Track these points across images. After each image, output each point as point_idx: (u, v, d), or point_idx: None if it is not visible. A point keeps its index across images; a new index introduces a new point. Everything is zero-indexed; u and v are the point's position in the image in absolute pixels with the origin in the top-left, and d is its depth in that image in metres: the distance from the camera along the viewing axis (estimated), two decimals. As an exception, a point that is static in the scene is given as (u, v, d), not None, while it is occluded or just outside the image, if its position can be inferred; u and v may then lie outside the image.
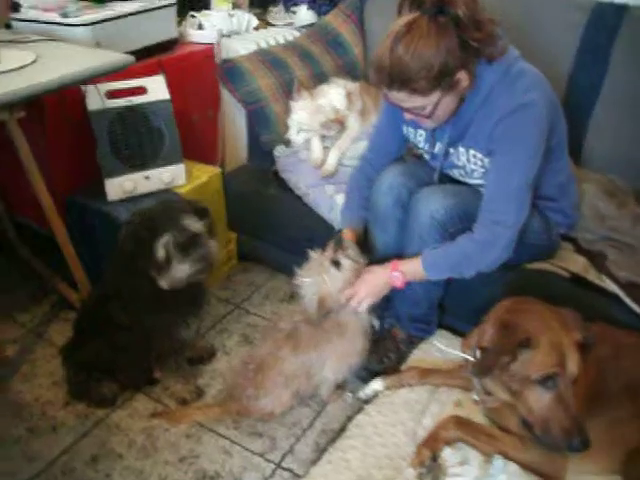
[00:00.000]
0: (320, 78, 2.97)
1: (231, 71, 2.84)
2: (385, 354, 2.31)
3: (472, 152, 2.02)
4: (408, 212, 2.13)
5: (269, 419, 2.15)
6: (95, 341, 2.15)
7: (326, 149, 2.71)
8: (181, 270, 1.95)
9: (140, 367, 2.21)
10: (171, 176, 2.55)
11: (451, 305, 2.35)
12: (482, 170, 2.03)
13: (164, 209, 2.01)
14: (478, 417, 1.91)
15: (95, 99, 2.38)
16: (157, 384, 2.29)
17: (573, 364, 1.58)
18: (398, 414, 2.01)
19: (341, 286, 2.05)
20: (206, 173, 2.72)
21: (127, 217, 2.34)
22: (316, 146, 2.69)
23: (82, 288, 2.48)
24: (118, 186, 2.46)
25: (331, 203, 2.52)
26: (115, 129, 2.43)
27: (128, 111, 2.44)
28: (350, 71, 3.11)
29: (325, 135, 2.74)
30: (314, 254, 2.09)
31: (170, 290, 1.98)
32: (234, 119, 3.20)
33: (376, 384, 2.18)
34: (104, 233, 2.46)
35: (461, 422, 1.83)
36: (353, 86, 2.89)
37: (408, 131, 2.20)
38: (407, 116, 1.95)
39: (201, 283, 2.14)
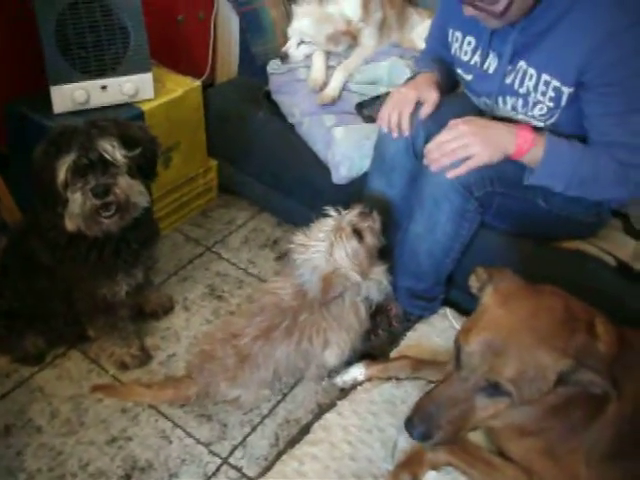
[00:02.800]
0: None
1: (221, -40, 2.29)
2: (374, 331, 1.90)
3: (545, 77, 1.52)
4: (422, 162, 1.66)
5: (231, 406, 1.77)
6: (17, 284, 1.74)
7: (331, 69, 2.20)
8: (75, 202, 1.50)
9: (66, 319, 1.80)
10: (134, 87, 2.07)
11: (462, 279, 1.89)
12: (551, 105, 1.54)
13: (84, 126, 1.55)
14: (477, 435, 1.50)
15: (42, -19, 1.88)
16: (93, 341, 1.89)
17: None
18: (377, 417, 1.61)
19: (353, 266, 1.63)
20: (181, 86, 2.24)
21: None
22: (318, 63, 2.19)
23: (10, 216, 2.05)
24: (67, 95, 1.99)
25: (328, 138, 2.04)
26: (65, 23, 1.94)
27: (83, 0, 1.94)
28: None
29: (331, 51, 2.22)
30: (332, 213, 1.66)
31: (84, 235, 1.57)
32: (229, 24, 2.68)
33: (357, 371, 1.77)
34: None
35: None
36: (373, -7, 2.34)
37: (454, 38, 1.71)
38: (468, 11, 1.47)
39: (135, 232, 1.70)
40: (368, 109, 2.09)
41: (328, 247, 1.62)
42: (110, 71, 2.03)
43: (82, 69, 1.99)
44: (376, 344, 1.90)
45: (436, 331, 1.86)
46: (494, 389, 1.14)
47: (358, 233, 1.64)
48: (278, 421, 1.76)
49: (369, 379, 1.74)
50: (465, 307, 1.90)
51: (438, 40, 1.82)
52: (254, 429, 1.73)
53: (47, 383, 1.81)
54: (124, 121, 1.67)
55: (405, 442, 1.54)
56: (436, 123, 1.65)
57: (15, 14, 2.00)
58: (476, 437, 1.47)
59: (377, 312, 1.91)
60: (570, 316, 1.18)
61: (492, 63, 1.63)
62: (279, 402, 1.81)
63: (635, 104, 1.42)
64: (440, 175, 1.57)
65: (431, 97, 1.67)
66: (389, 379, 1.72)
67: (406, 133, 1.67)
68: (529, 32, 1.50)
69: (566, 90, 1.49)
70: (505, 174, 1.58)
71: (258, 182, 2.41)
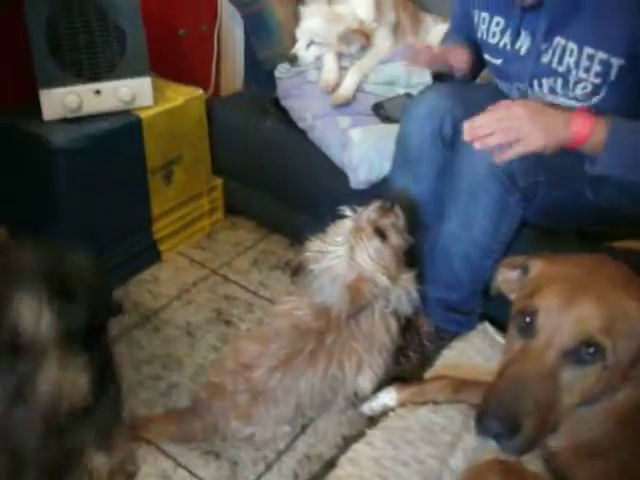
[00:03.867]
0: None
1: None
2: (403, 352, 1.67)
3: (588, 51, 1.33)
4: (453, 153, 1.46)
5: (242, 443, 1.51)
6: None
7: (343, 71, 2.03)
8: None
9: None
10: (131, 93, 1.90)
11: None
12: (597, 82, 1.35)
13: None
14: (535, 463, 1.25)
15: (32, -21, 1.73)
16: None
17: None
18: (415, 447, 1.36)
19: (378, 268, 1.42)
20: (182, 95, 2.06)
21: (65, 143, 1.75)
22: (330, 63, 2.01)
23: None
24: (57, 100, 1.81)
25: (343, 140, 1.85)
26: (57, 23, 1.78)
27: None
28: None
29: (343, 53, 2.05)
30: (348, 213, 1.47)
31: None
32: (233, 37, 2.54)
33: (387, 396, 1.53)
34: (35, 162, 1.84)
35: (509, 471, 1.18)
36: (386, -5, 2.19)
37: (480, 19, 1.54)
38: None
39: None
40: (387, 109, 1.91)
41: (348, 251, 1.41)
42: (105, 75, 1.86)
43: (74, 72, 1.82)
44: (406, 367, 1.66)
45: (475, 348, 1.63)
46: (583, 352, 0.92)
47: (380, 232, 1.44)
48: (297, 457, 1.51)
49: (402, 405, 1.50)
50: (505, 322, 1.67)
51: (461, 29, 1.66)
52: (269, 467, 1.48)
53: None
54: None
55: (450, 478, 1.29)
56: (465, 109, 1.47)
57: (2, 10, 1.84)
58: (534, 464, 1.23)
59: (405, 330, 1.69)
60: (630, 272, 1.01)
61: (524, 43, 1.46)
62: (298, 435, 1.56)
63: None
64: (477, 162, 1.37)
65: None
66: (425, 404, 1.48)
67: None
68: (565, 2, 1.33)
69: (615, 62, 1.31)
70: (551, 161, 1.37)
71: (268, 199, 2.21)
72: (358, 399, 1.55)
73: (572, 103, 1.41)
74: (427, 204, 1.58)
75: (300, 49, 2.06)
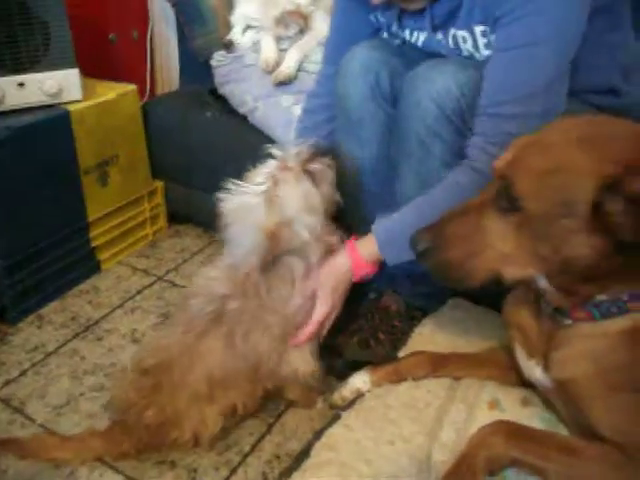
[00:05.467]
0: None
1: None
2: (373, 335, 1.52)
3: (479, 29, 1.27)
4: (397, 105, 1.36)
5: (190, 448, 1.30)
6: None
7: (282, 53, 1.93)
8: None
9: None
10: (57, 85, 1.76)
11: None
12: None
13: None
14: (534, 421, 1.13)
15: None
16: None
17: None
18: (398, 425, 1.21)
19: (305, 215, 1.24)
20: (114, 90, 1.92)
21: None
22: (269, 44, 1.92)
23: None
24: (-25, 94, 1.65)
25: (288, 117, 1.74)
26: (-28, 13, 1.64)
27: (-6, -9, 1.67)
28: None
29: (282, 36, 1.95)
30: (276, 152, 1.29)
31: None
32: (168, 43, 2.43)
33: (359, 380, 1.37)
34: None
35: (516, 431, 1.04)
36: (321, -19, 2.12)
37: (380, 18, 1.48)
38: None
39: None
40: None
41: (270, 190, 1.21)
42: (29, 67, 1.73)
43: (-6, 63, 1.67)
44: (378, 351, 1.52)
45: (450, 322, 1.50)
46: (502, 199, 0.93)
47: (311, 176, 1.26)
48: (265, 458, 1.34)
49: (377, 385, 1.35)
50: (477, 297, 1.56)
51: (342, 31, 1.56)
52: (234, 471, 1.31)
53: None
54: None
55: (442, 452, 1.14)
56: (400, 59, 1.40)
57: None
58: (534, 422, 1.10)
59: (372, 312, 1.56)
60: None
61: (420, 36, 1.40)
62: (264, 435, 1.39)
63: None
64: (424, 105, 1.26)
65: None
66: (403, 380, 1.34)
67: None
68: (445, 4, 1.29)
69: (492, 36, 1.26)
70: None
71: (213, 197, 2.06)
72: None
73: None
74: (376, 170, 1.45)
75: (236, 34, 1.96)
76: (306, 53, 1.91)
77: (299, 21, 1.93)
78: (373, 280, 1.56)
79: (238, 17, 1.96)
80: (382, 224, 1.29)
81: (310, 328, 1.31)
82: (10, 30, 1.69)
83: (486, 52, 1.29)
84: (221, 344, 1.24)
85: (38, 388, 1.51)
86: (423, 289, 1.52)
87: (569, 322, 1.02)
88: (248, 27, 1.95)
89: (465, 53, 1.33)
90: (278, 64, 1.87)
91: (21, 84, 1.72)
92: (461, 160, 1.25)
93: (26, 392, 1.50)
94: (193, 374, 1.22)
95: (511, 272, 0.97)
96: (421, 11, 1.32)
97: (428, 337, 1.47)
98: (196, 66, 2.18)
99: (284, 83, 1.84)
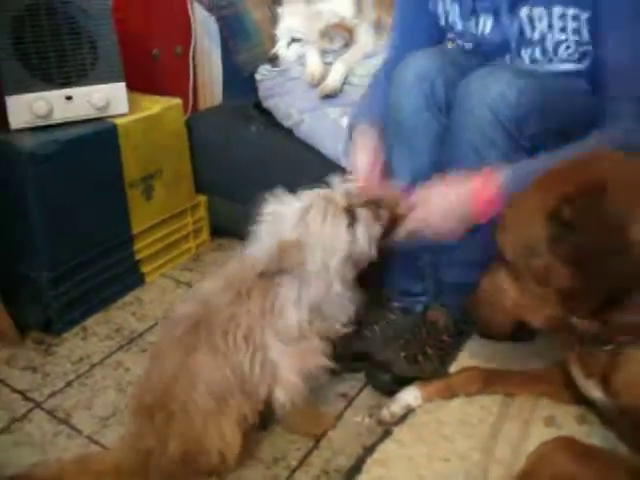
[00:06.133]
0: (320, -12, 2.19)
1: (195, -33, 2.08)
2: (420, 350, 1.49)
3: (558, 10, 1.27)
4: (451, 114, 1.34)
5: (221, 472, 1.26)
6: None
7: (328, 67, 1.93)
8: None
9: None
10: (105, 98, 1.77)
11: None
12: (577, 38, 1.29)
13: None
14: (592, 439, 1.10)
15: (-5, -19, 1.63)
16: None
17: None
18: (452, 442, 1.18)
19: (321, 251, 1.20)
20: (159, 104, 1.94)
21: (34, 149, 1.61)
22: (314, 57, 1.92)
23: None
24: (25, 107, 1.69)
25: (335, 129, 1.73)
26: (23, 26, 1.68)
27: (43, 4, 1.70)
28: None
29: (326, 50, 1.96)
30: (330, 182, 1.27)
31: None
32: (210, 58, 2.45)
33: (409, 396, 1.34)
34: (3, 171, 1.68)
35: (581, 449, 1.01)
36: (364, -5, 2.13)
37: (442, 7, 1.47)
38: None
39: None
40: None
41: (300, 212, 1.19)
42: (76, 80, 1.75)
43: (43, 77, 1.70)
44: (427, 367, 1.48)
45: (501, 337, 1.46)
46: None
47: (351, 215, 1.22)
48: (313, 473, 1.31)
49: (428, 401, 1.31)
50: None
51: (408, 17, 1.57)
52: (282, 486, 1.28)
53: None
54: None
55: (497, 469, 1.10)
56: (455, 68, 1.39)
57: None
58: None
59: (418, 327, 1.52)
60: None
61: (487, 23, 1.40)
62: (311, 450, 1.36)
63: None
64: (480, 112, 1.25)
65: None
66: (455, 397, 1.30)
67: None
68: None
69: (584, 16, 1.26)
70: (561, 108, 1.28)
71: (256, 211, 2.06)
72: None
73: (564, 67, 1.35)
74: (426, 180, 1.43)
75: (281, 48, 1.97)
76: (351, 66, 1.91)
77: (344, 34, 1.94)
78: (421, 292, 1.55)
79: (283, 31, 1.97)
80: (508, 167, 1.22)
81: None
82: (59, 44, 1.72)
83: (560, 36, 1.30)
84: (211, 355, 1.20)
85: (84, 399, 1.51)
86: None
87: (609, 347, 1.02)
88: (293, 40, 1.96)
89: (536, 36, 1.33)
90: (323, 77, 1.87)
91: (69, 97, 1.73)
92: None
93: (71, 403, 1.50)
94: (197, 391, 1.19)
95: (531, 318, 1.07)
96: None
97: (479, 353, 1.44)
98: (239, 80, 2.19)
99: (330, 96, 1.84)
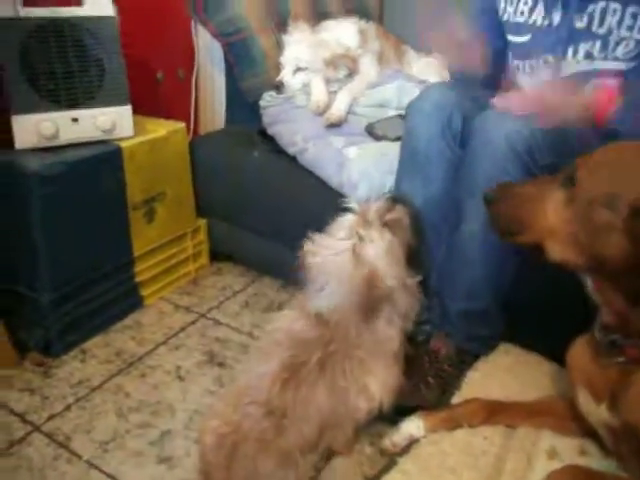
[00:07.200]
0: (324, 18, 2.22)
1: (203, -7, 2.10)
2: (422, 379, 1.49)
3: (633, 9, 1.32)
4: (467, 145, 1.36)
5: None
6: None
7: (332, 95, 1.95)
8: None
9: None
10: (110, 121, 1.78)
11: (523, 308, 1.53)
12: (636, 37, 1.34)
13: None
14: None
15: (5, 3, 1.64)
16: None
17: None
18: (457, 474, 1.18)
19: (389, 267, 1.25)
20: (164, 127, 1.96)
21: (40, 169, 1.61)
22: (319, 86, 1.95)
23: None
24: (31, 127, 1.69)
25: (340, 159, 1.75)
26: (31, 48, 1.69)
27: (52, 25, 1.72)
28: (361, 17, 2.32)
29: (331, 79, 1.98)
30: (353, 206, 1.31)
31: None
32: (213, 82, 2.46)
33: (412, 426, 1.34)
34: (6, 191, 1.68)
35: (588, 475, 1.02)
36: (368, 25, 2.17)
37: (507, 1, 1.53)
38: None
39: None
40: (381, 128, 1.82)
41: (355, 245, 1.23)
42: (83, 102, 1.76)
43: (50, 99, 1.71)
44: (427, 395, 1.48)
45: (502, 368, 1.47)
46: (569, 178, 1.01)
47: (388, 227, 1.29)
48: (316, 502, 1.31)
49: (432, 431, 1.32)
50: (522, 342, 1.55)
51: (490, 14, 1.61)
52: (284, 515, 1.27)
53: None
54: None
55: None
56: (472, 102, 1.42)
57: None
58: None
59: (420, 356, 1.53)
60: None
61: (556, 14, 1.44)
62: (313, 478, 1.35)
63: None
64: (495, 144, 1.28)
65: None
66: (458, 427, 1.31)
67: None
68: None
69: None
70: (570, 142, 1.30)
71: (256, 238, 2.07)
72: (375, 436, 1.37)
73: (611, 65, 1.38)
74: (439, 207, 1.45)
75: (286, 75, 1.99)
76: (355, 96, 1.93)
77: (349, 64, 1.96)
78: (425, 321, 1.55)
79: (288, 58, 2.00)
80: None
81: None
82: (66, 66, 1.73)
83: (624, 33, 1.34)
84: (328, 391, 1.23)
85: (83, 423, 1.50)
86: (475, 331, 1.50)
87: (622, 359, 1.02)
88: (298, 69, 1.98)
89: (601, 31, 1.36)
90: (328, 106, 1.89)
91: (75, 119, 1.74)
92: None
93: (71, 427, 1.49)
94: (306, 421, 1.21)
95: (552, 247, 1.04)
96: None
97: (480, 383, 1.44)
98: (242, 106, 2.21)
99: (335, 125, 1.86)
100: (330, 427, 1.26)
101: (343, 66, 1.97)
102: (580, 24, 1.38)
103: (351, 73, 2.00)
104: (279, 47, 2.06)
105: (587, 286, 1.06)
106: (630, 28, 1.33)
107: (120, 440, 1.45)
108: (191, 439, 1.44)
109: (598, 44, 1.38)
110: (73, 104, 1.74)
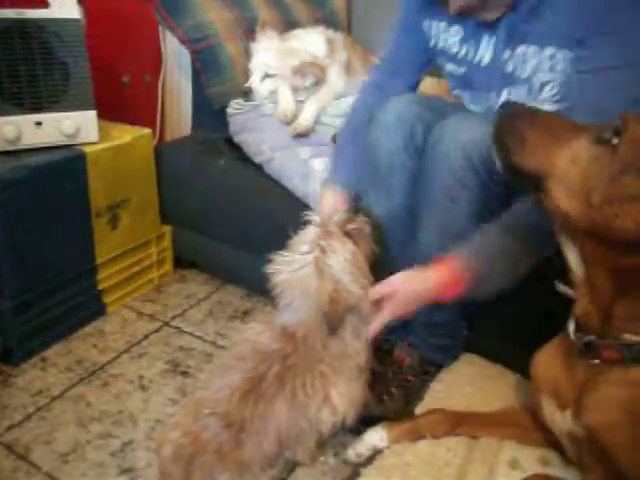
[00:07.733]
0: (292, 27, 2.23)
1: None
2: (385, 390, 1.51)
3: (549, 51, 1.29)
4: (424, 156, 1.39)
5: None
6: None
7: (299, 105, 1.96)
8: None
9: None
10: (75, 126, 1.76)
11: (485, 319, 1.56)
12: (560, 80, 1.31)
13: None
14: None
15: (-34, 5, 1.61)
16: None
17: None
18: (420, 484, 1.19)
19: (354, 277, 1.26)
20: (129, 133, 1.93)
21: (3, 173, 1.59)
22: (286, 95, 1.95)
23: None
24: (-7, 131, 1.65)
25: (306, 170, 1.76)
26: (-6, 51, 1.65)
27: (17, 27, 1.69)
28: (329, 27, 2.34)
29: (298, 87, 1.99)
30: (314, 218, 1.33)
31: None
32: (179, 88, 2.45)
33: (375, 437, 1.35)
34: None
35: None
36: (336, 35, 2.18)
37: (439, 29, 1.47)
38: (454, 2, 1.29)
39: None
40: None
41: (317, 258, 1.24)
42: (47, 106, 1.73)
43: (14, 101, 1.68)
44: (391, 406, 1.50)
45: (466, 379, 1.50)
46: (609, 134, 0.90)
47: (350, 237, 1.30)
48: (278, 515, 1.31)
49: (395, 442, 1.33)
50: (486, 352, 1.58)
51: (402, 42, 1.59)
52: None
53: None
54: None
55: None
56: (432, 114, 1.42)
57: None
58: None
59: (387, 366, 1.54)
60: None
61: (486, 53, 1.41)
62: (275, 493, 1.36)
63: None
64: (453, 157, 1.29)
65: None
66: (421, 438, 1.32)
67: None
68: (522, 9, 1.30)
69: (570, 55, 1.27)
70: None
71: (221, 246, 2.06)
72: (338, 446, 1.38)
73: (546, 107, 1.36)
74: (400, 219, 1.46)
75: (254, 82, 1.99)
76: (322, 105, 1.94)
77: (316, 72, 1.97)
78: (389, 331, 1.57)
79: (257, 65, 2.00)
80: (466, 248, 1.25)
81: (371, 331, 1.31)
82: (31, 69, 1.70)
83: (545, 76, 1.32)
84: (288, 405, 1.24)
85: (43, 434, 1.47)
86: (439, 341, 1.52)
87: (597, 362, 1.02)
88: (267, 75, 1.98)
89: (524, 75, 1.35)
90: (296, 116, 1.90)
91: (38, 123, 1.71)
92: (486, 211, 1.28)
93: (30, 438, 1.46)
94: (266, 437, 1.21)
95: (557, 190, 0.94)
96: (495, 22, 1.34)
97: (444, 394, 1.46)
98: (208, 113, 2.20)
99: (302, 135, 1.86)
100: (291, 441, 1.27)
101: (311, 74, 1.98)
102: (508, 68, 1.37)
103: (318, 82, 2.01)
104: (247, 54, 2.06)
105: (570, 262, 1.02)
106: (552, 69, 1.31)
107: (81, 451, 1.43)
108: (153, 450, 1.42)
109: (524, 89, 1.37)
110: (37, 108, 1.71)
